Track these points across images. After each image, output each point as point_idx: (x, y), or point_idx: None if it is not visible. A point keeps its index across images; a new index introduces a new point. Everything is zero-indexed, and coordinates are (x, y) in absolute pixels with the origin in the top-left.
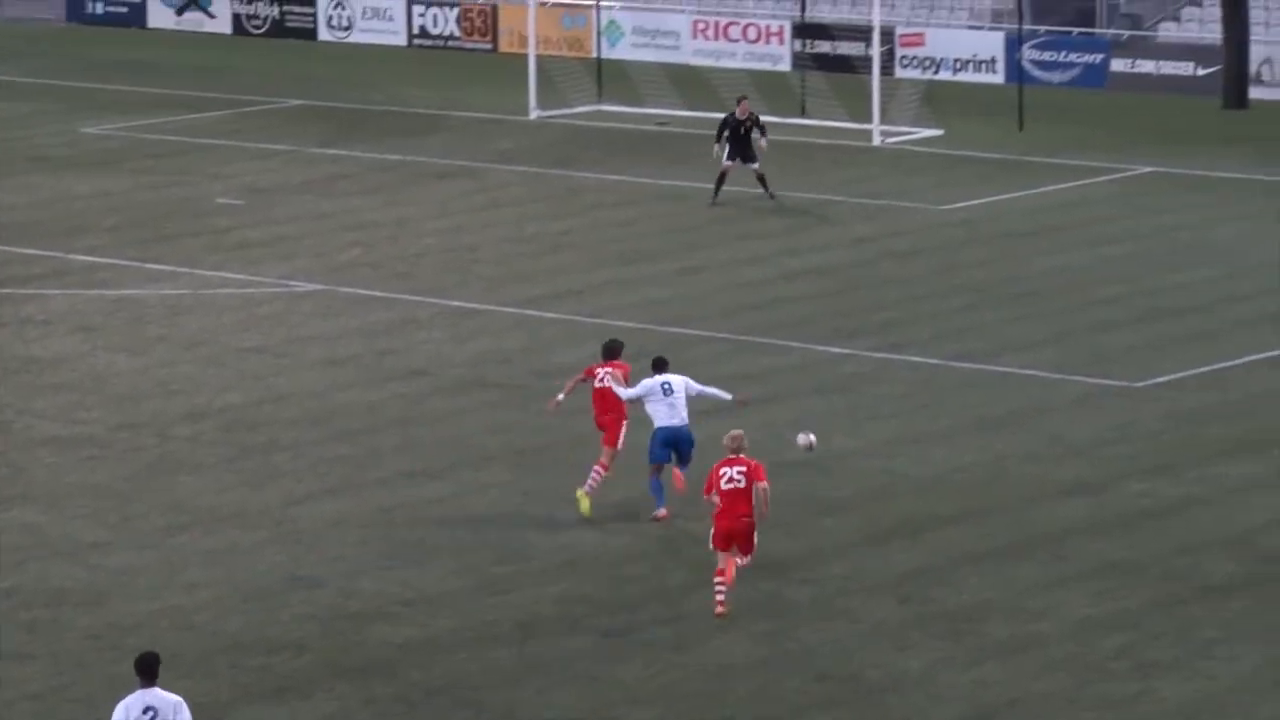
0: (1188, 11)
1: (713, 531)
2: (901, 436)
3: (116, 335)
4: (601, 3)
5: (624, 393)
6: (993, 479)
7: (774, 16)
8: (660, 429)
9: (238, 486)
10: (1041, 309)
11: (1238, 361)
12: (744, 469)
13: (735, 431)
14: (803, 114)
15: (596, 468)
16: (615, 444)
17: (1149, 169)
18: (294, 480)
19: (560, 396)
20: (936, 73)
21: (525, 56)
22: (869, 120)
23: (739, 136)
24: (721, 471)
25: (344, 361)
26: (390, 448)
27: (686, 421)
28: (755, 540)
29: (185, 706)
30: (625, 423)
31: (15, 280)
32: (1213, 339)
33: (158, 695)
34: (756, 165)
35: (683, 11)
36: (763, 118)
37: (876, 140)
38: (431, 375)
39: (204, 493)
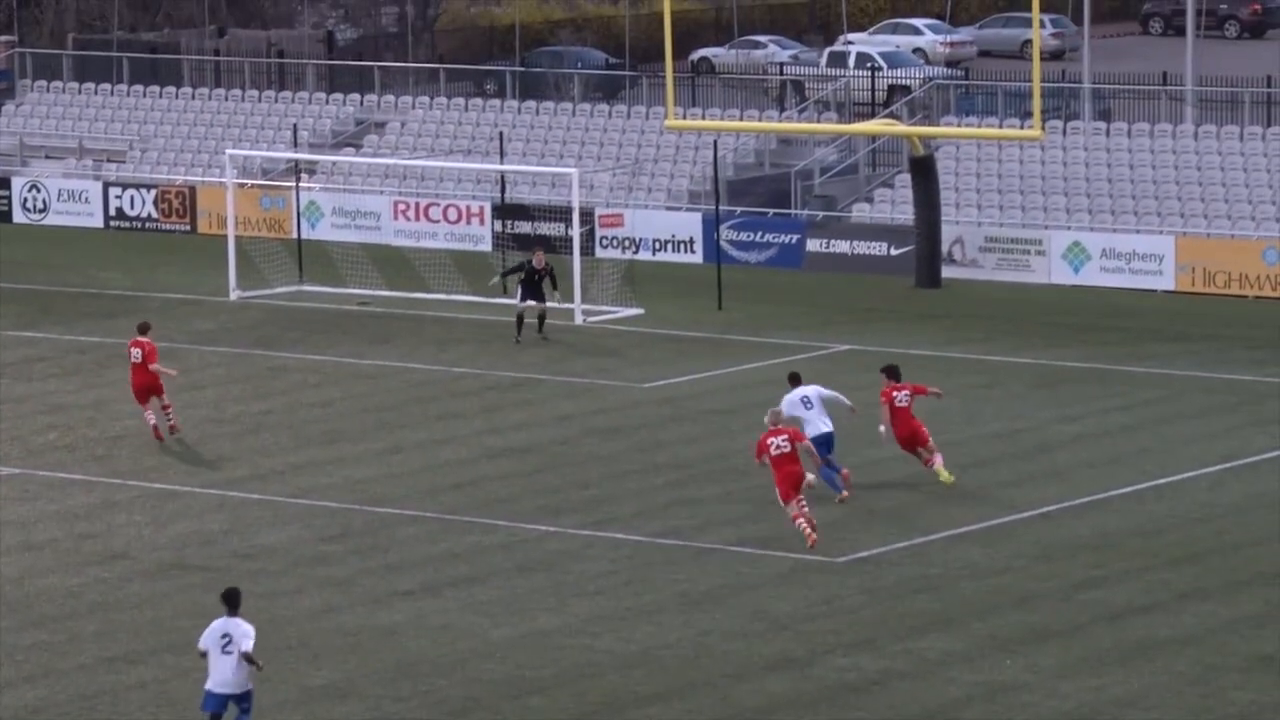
0: (880, 193)
1: (778, 490)
2: (606, 614)
3: None
4: (301, 185)
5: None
6: (697, 655)
7: (474, 197)
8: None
9: None
10: (744, 485)
11: (936, 536)
12: (786, 436)
13: (774, 409)
14: (504, 294)
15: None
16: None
17: (846, 346)
18: None
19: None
20: (636, 252)
21: (225, 237)
22: (570, 300)
23: (533, 283)
24: (769, 441)
25: (41, 546)
26: (90, 633)
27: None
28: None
29: (252, 634)
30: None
31: None
32: (912, 514)
33: (238, 624)
34: (544, 303)
35: (382, 193)
36: (463, 297)
37: (578, 319)
38: (132, 559)
39: None
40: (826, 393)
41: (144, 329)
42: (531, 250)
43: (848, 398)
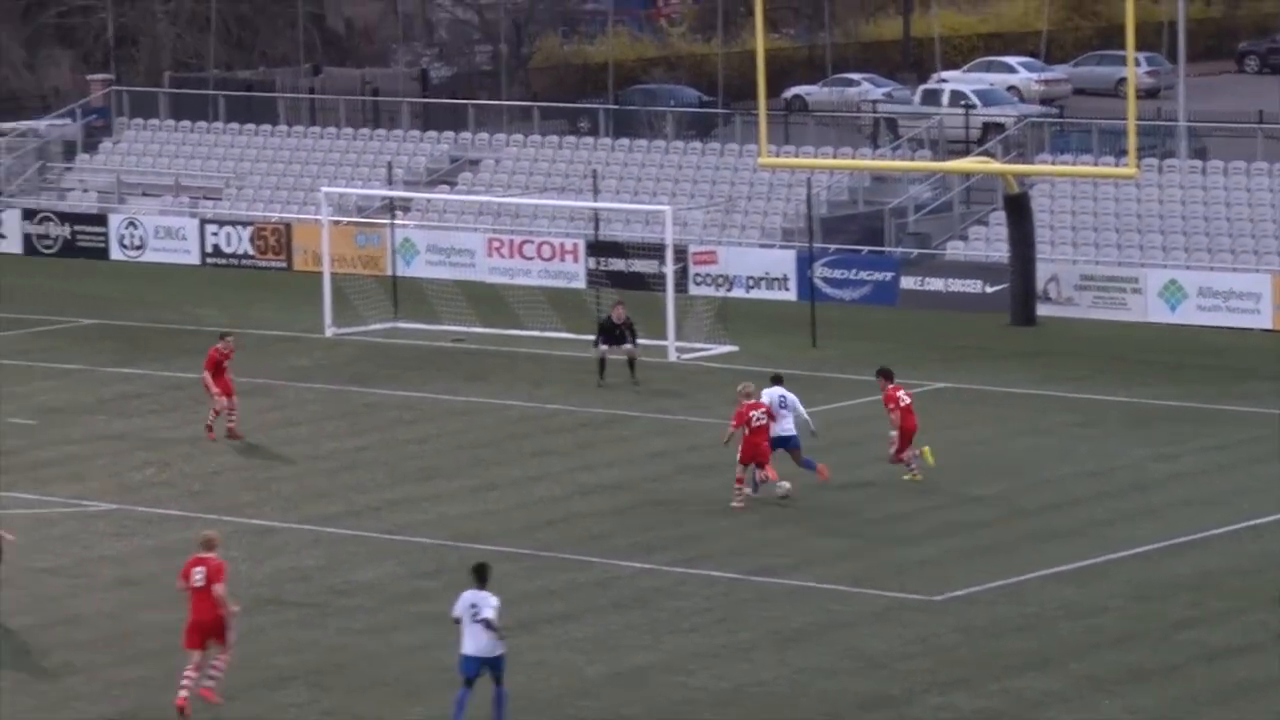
0: (975, 230)
1: (740, 453)
2: (701, 651)
3: None
4: (395, 222)
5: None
6: (792, 694)
7: (568, 235)
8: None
9: (31, 710)
10: (838, 523)
11: (1031, 575)
12: (765, 410)
13: (749, 385)
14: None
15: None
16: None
17: (940, 385)
18: (89, 703)
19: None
20: (730, 290)
21: (320, 274)
22: (664, 337)
23: (613, 337)
24: (751, 413)
25: (140, 581)
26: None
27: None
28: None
29: (495, 604)
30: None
31: None
32: (1007, 552)
33: (485, 596)
34: (629, 347)
35: (477, 230)
36: (558, 334)
37: (671, 356)
38: (228, 594)
39: None
40: (801, 408)
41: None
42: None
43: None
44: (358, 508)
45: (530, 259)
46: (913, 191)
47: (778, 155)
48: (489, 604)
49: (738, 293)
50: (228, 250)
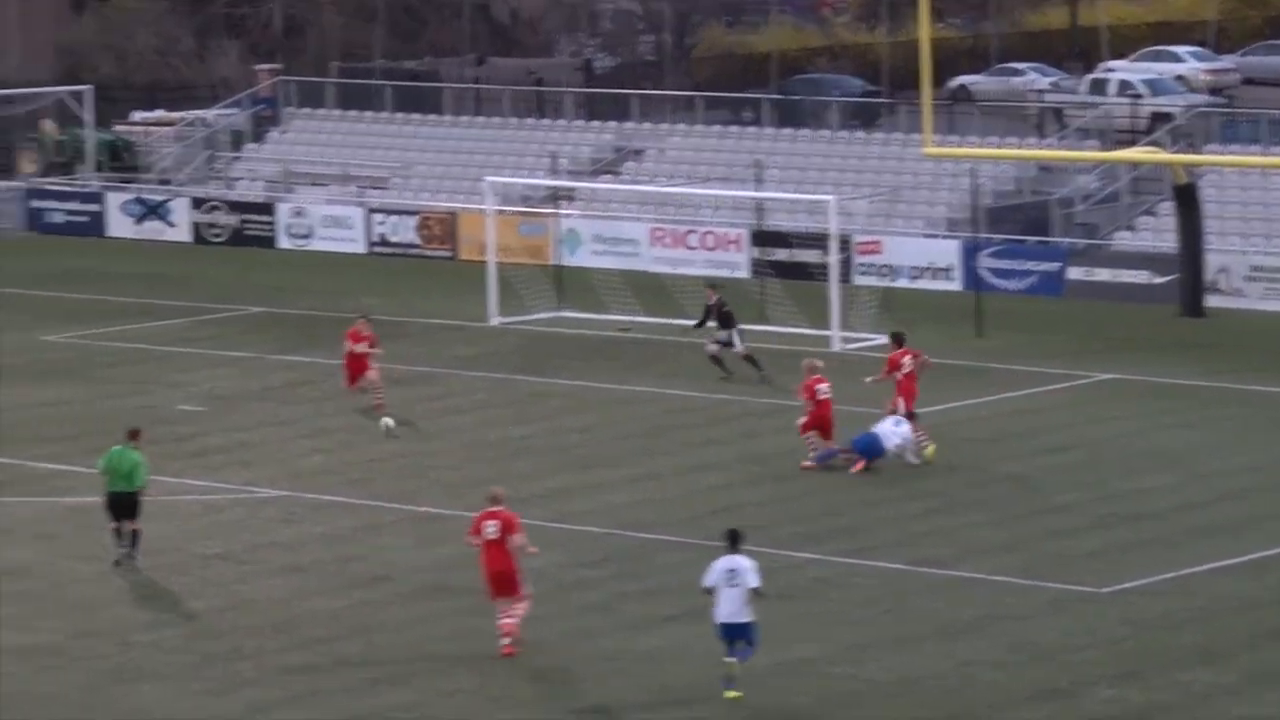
0: (1142, 220)
1: (805, 420)
2: (867, 642)
3: (77, 543)
4: (560, 212)
5: None
6: (960, 685)
7: (732, 225)
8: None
9: (201, 695)
10: (1002, 515)
11: (1200, 569)
12: (829, 385)
13: (816, 361)
14: (762, 320)
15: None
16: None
17: (1106, 376)
18: (258, 688)
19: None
20: (894, 280)
21: (484, 264)
22: (828, 326)
23: (722, 316)
24: (818, 386)
25: (307, 568)
26: (354, 655)
27: None
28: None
29: (756, 569)
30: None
31: None
32: (1174, 545)
33: (741, 561)
34: (737, 349)
35: (640, 220)
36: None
37: (835, 346)
38: (394, 581)
39: (166, 701)
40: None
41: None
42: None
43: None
44: (522, 496)
45: (694, 249)
46: (1079, 181)
47: (942, 145)
48: (751, 571)
49: (901, 282)
50: (394, 239)
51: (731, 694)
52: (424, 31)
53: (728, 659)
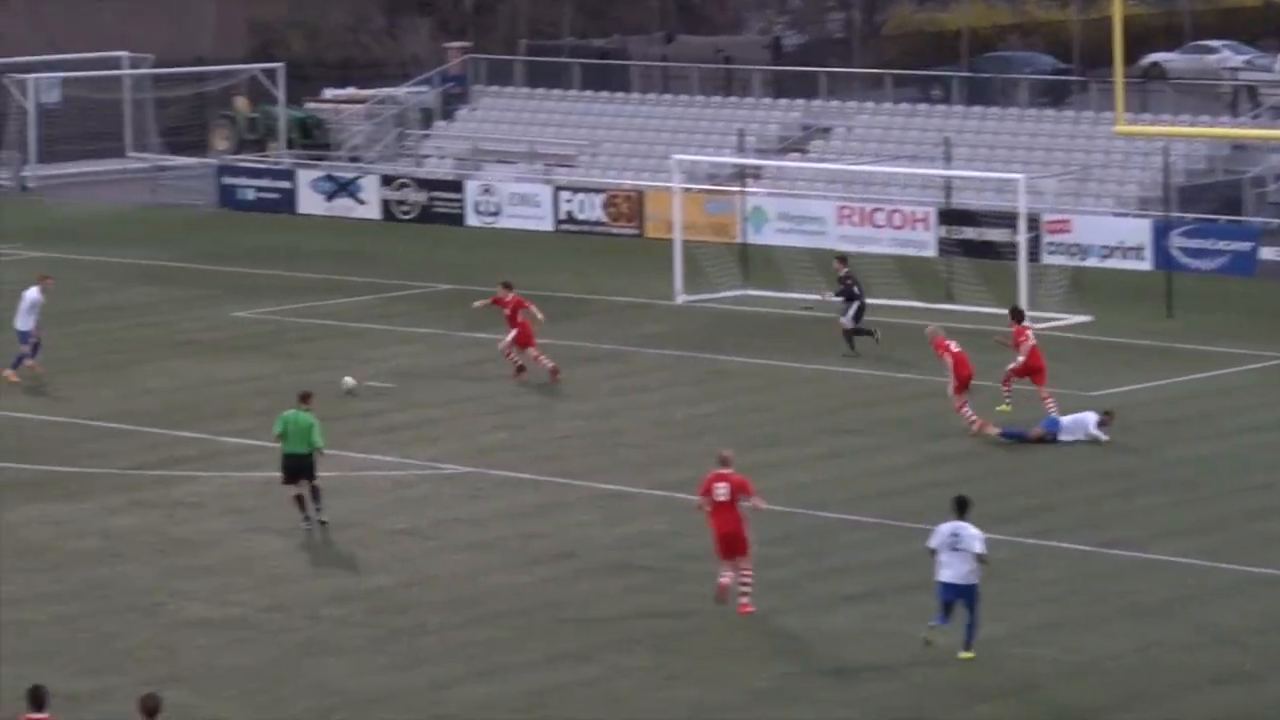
0: None
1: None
2: (1052, 623)
3: (266, 517)
4: (746, 189)
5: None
6: (1144, 667)
7: (919, 203)
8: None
9: (386, 669)
10: (1192, 496)
11: None
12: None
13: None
14: (949, 299)
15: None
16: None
17: None
18: (442, 663)
19: None
20: (1083, 259)
21: (670, 242)
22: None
23: (848, 294)
24: (949, 344)
25: (491, 544)
26: (538, 630)
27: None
28: None
29: (981, 537)
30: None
31: (166, 463)
32: None
33: (965, 527)
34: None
35: (827, 198)
36: (907, 303)
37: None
38: (578, 558)
39: (353, 675)
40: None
41: (508, 286)
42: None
43: None
44: (705, 473)
45: (881, 227)
46: (1273, 160)
47: (1134, 123)
48: (976, 538)
49: (1091, 262)
50: (580, 217)
51: (965, 655)
52: (612, 9)
53: (933, 623)
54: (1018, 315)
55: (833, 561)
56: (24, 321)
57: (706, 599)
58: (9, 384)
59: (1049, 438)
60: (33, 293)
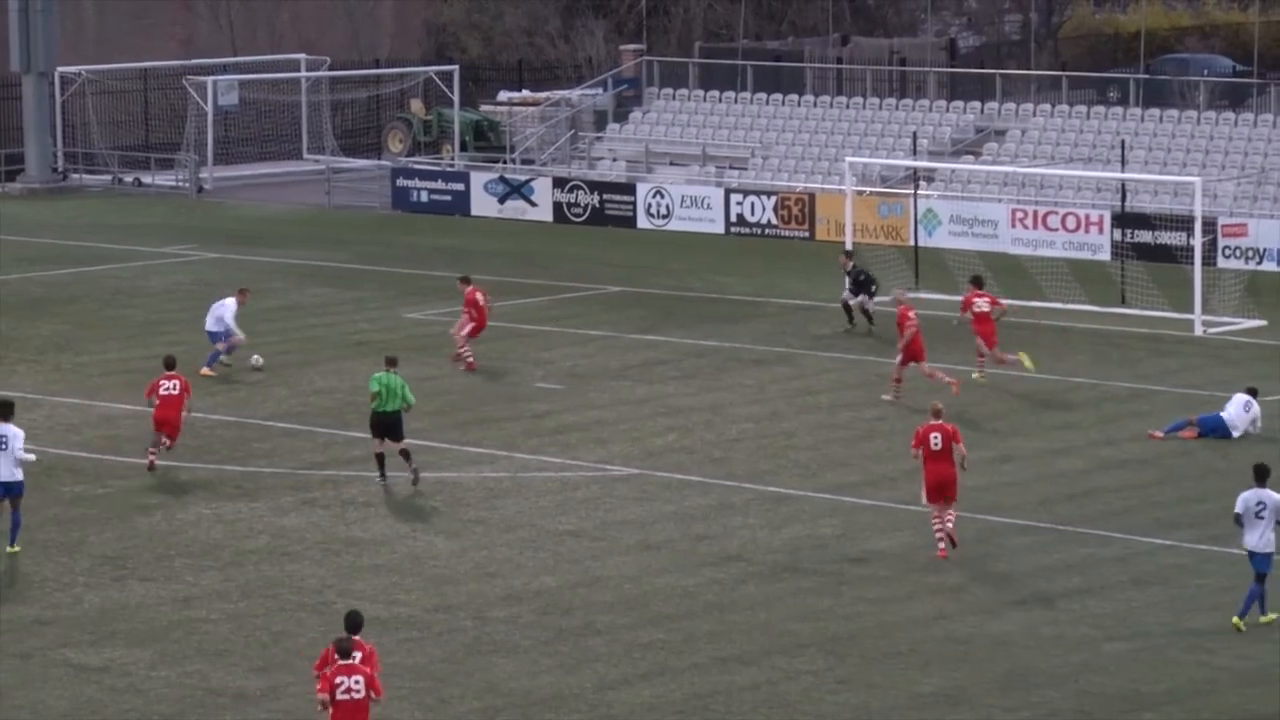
0: None
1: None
2: (1223, 629)
3: (435, 517)
4: (919, 192)
5: None
6: None
7: (1094, 206)
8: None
9: (553, 670)
10: None
11: None
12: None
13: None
14: (1123, 303)
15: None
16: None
17: None
18: (608, 664)
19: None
20: (1260, 263)
21: (842, 244)
22: (1190, 310)
23: (858, 283)
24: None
25: (659, 546)
26: (704, 633)
27: None
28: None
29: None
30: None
31: (337, 462)
32: None
33: (1269, 494)
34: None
35: (1000, 201)
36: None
37: (1198, 330)
38: (746, 561)
39: (519, 676)
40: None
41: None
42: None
43: None
44: (874, 477)
45: (1054, 230)
46: None
47: None
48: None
49: (1268, 266)
50: (751, 220)
51: (1267, 618)
52: (787, 11)
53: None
54: (977, 281)
55: (1001, 566)
56: (216, 324)
57: (873, 602)
58: (202, 377)
59: (1204, 431)
60: (231, 303)
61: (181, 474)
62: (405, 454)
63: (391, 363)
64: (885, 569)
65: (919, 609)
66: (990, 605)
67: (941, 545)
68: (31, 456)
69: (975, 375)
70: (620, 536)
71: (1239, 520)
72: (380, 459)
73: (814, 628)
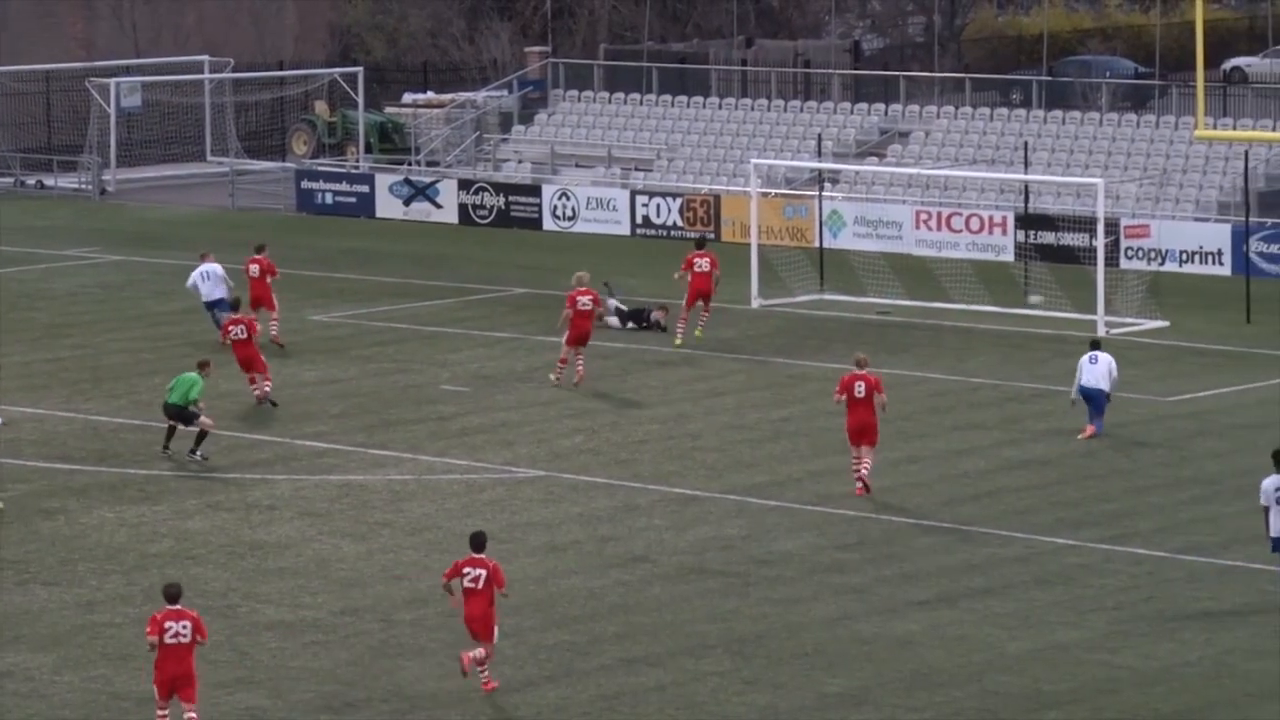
0: None
1: (568, 336)
2: (1125, 629)
3: (341, 520)
4: (824, 194)
5: None
6: (1219, 674)
7: (997, 208)
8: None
9: (459, 673)
10: None
11: None
12: (591, 298)
13: (581, 274)
14: (1026, 304)
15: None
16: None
17: None
18: (514, 667)
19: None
20: (1162, 264)
21: (747, 246)
22: (1093, 311)
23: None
24: (579, 299)
25: (565, 548)
26: (610, 634)
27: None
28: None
29: None
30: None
31: (242, 465)
32: None
33: None
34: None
35: (905, 202)
36: (984, 308)
37: (1101, 331)
38: (652, 562)
39: (426, 679)
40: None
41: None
42: None
43: None
44: (780, 478)
45: (958, 231)
46: None
47: (1215, 128)
48: None
49: (1170, 267)
50: (657, 221)
51: None
52: (692, 13)
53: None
54: (700, 243)
55: (905, 567)
56: (216, 288)
57: (779, 603)
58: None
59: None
60: (214, 267)
61: (84, 477)
62: (201, 435)
63: (202, 366)
64: (791, 570)
65: (824, 609)
66: (894, 605)
67: (859, 485)
68: None
69: (697, 333)
70: (526, 538)
71: (1265, 509)
72: (171, 431)
73: (720, 629)
